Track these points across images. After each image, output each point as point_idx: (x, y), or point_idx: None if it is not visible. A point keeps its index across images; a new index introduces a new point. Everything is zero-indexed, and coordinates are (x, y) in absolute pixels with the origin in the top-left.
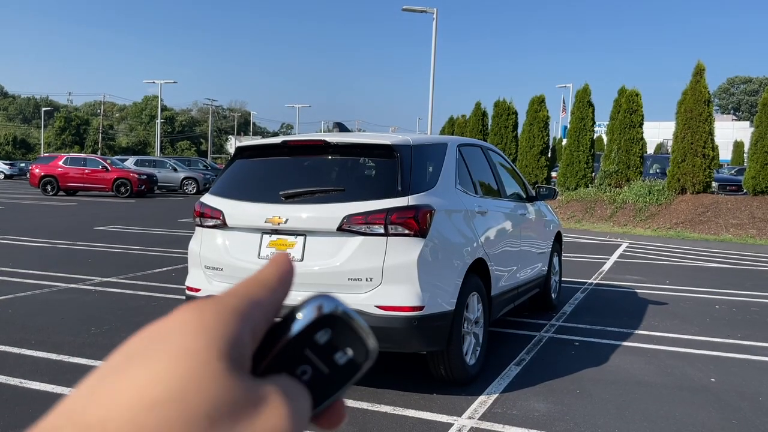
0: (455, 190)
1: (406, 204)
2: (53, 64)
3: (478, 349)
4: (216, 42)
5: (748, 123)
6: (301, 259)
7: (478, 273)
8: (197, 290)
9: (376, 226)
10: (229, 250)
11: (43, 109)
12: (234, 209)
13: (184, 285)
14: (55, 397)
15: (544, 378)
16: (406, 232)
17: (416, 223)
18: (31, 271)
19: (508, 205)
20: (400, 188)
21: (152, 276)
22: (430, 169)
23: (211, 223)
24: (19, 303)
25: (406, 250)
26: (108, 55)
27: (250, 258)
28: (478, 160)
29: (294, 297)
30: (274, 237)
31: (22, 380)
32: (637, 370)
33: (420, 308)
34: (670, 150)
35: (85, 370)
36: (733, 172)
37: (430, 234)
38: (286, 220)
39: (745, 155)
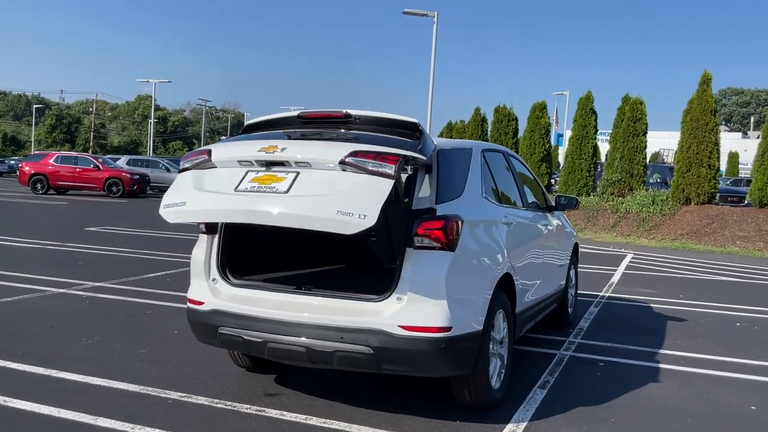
0: (481, 198)
1: (433, 213)
2: (45, 61)
3: (503, 371)
4: (211, 42)
5: (740, 134)
6: (286, 191)
7: (503, 288)
8: (200, 303)
9: (387, 166)
10: (203, 184)
11: (35, 106)
12: (225, 146)
13: (179, 291)
14: (43, 419)
15: (574, 404)
16: (434, 245)
17: (444, 235)
18: (17, 274)
19: (532, 216)
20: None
21: (146, 281)
22: (457, 175)
23: (190, 165)
24: (4, 309)
25: (434, 265)
26: (101, 54)
27: (224, 189)
28: (501, 167)
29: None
30: (261, 173)
31: (6, 398)
32: (671, 395)
33: (448, 329)
34: (666, 159)
35: (75, 387)
36: (728, 182)
37: (458, 247)
38: (284, 149)
39: (740, 166)
